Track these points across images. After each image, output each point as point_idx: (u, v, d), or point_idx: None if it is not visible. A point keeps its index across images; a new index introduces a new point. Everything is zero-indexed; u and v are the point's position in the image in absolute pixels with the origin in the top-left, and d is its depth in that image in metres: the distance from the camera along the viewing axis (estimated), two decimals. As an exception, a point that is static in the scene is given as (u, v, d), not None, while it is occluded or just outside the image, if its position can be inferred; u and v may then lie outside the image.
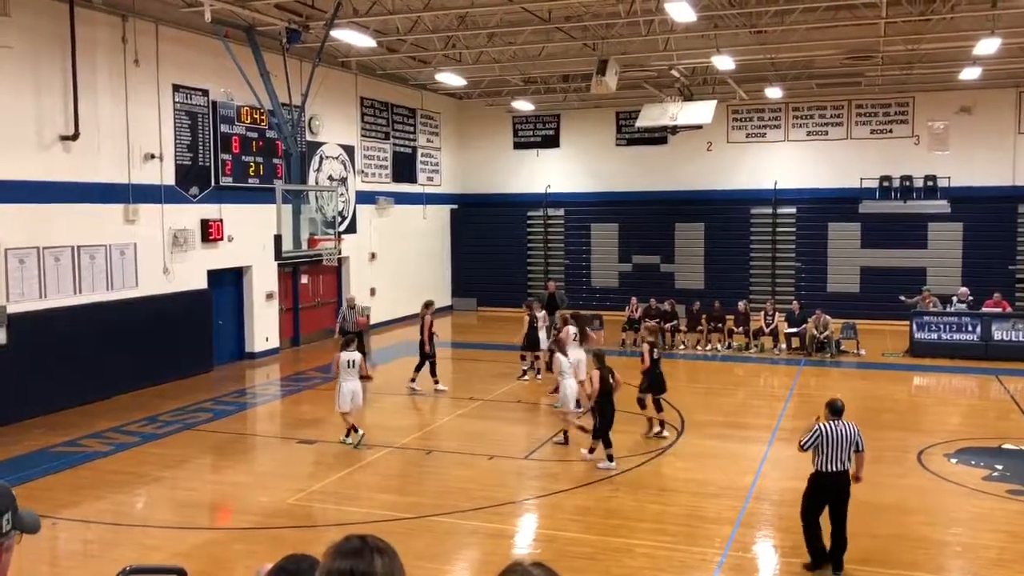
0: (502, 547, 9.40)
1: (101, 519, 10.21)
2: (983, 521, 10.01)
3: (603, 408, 12.07)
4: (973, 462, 12.20)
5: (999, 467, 11.99)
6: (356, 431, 13.05)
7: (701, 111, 22.17)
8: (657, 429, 13.62)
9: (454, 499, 10.82)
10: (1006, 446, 13.16)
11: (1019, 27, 18.56)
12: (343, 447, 13.06)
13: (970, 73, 22.34)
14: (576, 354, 15.20)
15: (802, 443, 8.67)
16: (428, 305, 17.49)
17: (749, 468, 11.98)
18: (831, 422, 8.61)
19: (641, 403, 13.90)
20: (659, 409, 13.72)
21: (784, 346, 21.69)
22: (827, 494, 8.55)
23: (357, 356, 13.38)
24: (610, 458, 11.95)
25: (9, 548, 2.24)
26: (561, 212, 29.99)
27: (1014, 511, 10.29)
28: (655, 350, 13.96)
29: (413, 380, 17.02)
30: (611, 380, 12.16)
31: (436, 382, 16.95)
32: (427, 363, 17.05)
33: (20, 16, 14.56)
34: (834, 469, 8.47)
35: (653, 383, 13.69)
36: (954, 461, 12.28)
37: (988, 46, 18.62)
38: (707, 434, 13.93)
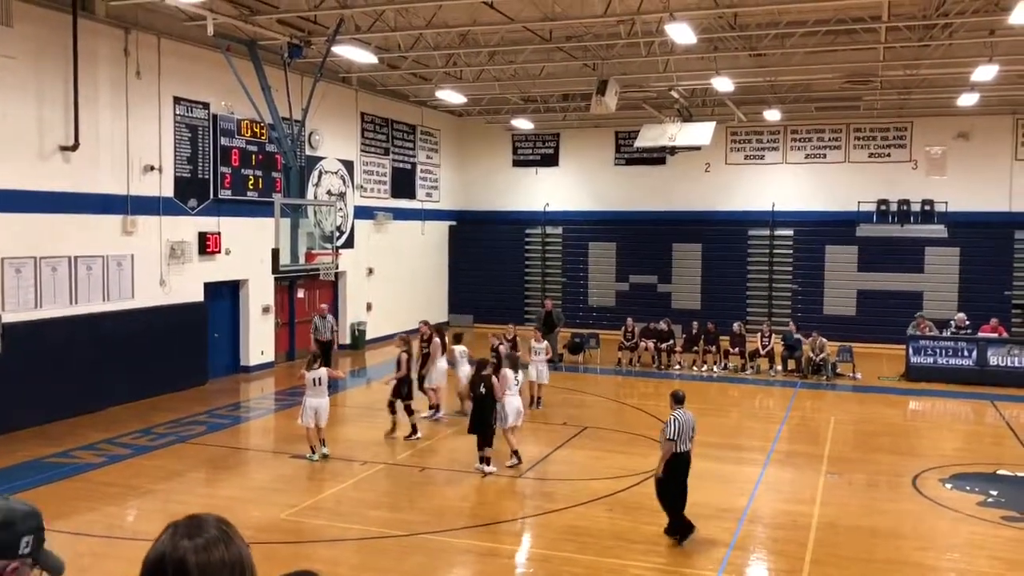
0: (495, 566, 9.35)
1: (92, 531, 10.15)
2: (978, 547, 9.98)
3: (473, 412, 12.93)
4: (968, 488, 12.17)
5: (994, 493, 11.96)
6: (314, 450, 13.19)
7: (700, 132, 22.26)
8: (408, 432, 14.61)
9: (447, 517, 10.77)
10: (1001, 472, 13.14)
11: (1016, 54, 18.68)
12: (336, 463, 13.02)
13: (968, 99, 22.48)
14: (441, 364, 16.36)
15: (669, 436, 9.75)
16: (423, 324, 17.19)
17: (744, 490, 11.95)
18: (678, 411, 9.89)
19: (391, 406, 14.87)
20: (409, 413, 14.78)
21: (780, 368, 21.69)
22: (683, 471, 9.80)
23: (323, 374, 13.44)
24: (483, 460, 12.62)
25: (14, 570, 2.14)
26: (559, 230, 30.04)
27: (1009, 537, 10.26)
28: (409, 357, 15.12)
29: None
30: (482, 388, 12.77)
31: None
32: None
33: (23, 26, 14.60)
34: (686, 449, 9.84)
35: (405, 390, 14.86)
36: (949, 486, 12.25)
37: (986, 73, 18.74)
38: (702, 455, 13.76)
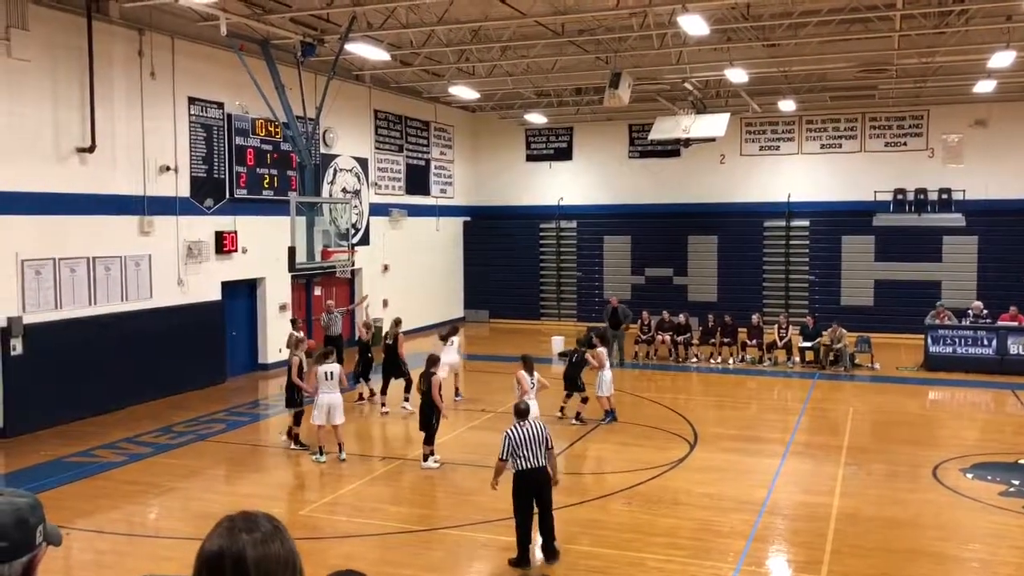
0: (514, 560, 9.36)
1: (115, 529, 10.25)
2: (1000, 537, 9.92)
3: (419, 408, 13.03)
4: (989, 477, 12.09)
5: (1016, 482, 11.87)
6: (321, 450, 12.95)
7: (714, 124, 22.16)
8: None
9: (465, 511, 10.80)
10: (1023, 461, 13.04)
11: (1034, 40, 18.49)
12: (353, 459, 13.07)
13: (985, 86, 22.27)
14: (448, 358, 16.66)
15: (500, 455, 9.10)
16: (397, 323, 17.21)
17: (763, 482, 11.92)
18: (517, 424, 9.15)
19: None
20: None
21: (797, 359, 21.59)
22: (530, 490, 9.02)
23: (336, 368, 13.13)
24: (424, 457, 12.69)
25: (40, 560, 2.23)
26: (574, 224, 30.00)
27: (1031, 527, 10.19)
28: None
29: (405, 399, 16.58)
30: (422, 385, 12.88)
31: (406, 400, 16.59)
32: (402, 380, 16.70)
33: (38, 30, 14.72)
34: (530, 466, 8.98)
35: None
36: (970, 476, 12.18)
37: (1003, 59, 18.56)
38: (720, 447, 13.88)
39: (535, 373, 12.85)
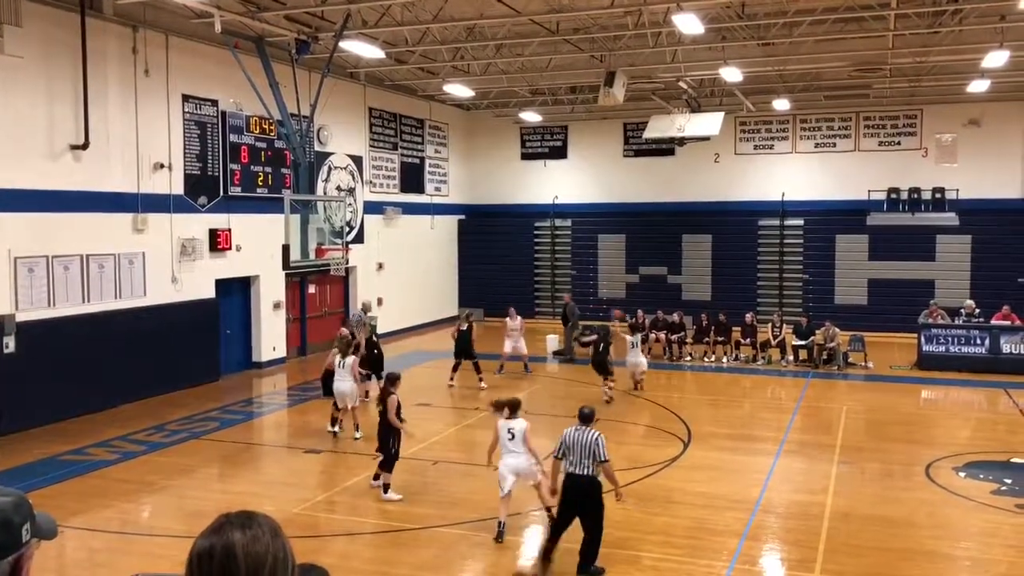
0: (507, 558, 9.38)
1: (108, 527, 10.23)
2: (992, 535, 9.95)
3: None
4: (982, 476, 12.13)
5: (1008, 481, 11.92)
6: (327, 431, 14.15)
7: (709, 123, 22.18)
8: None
9: (459, 510, 10.80)
10: (1015, 460, 13.08)
11: (1027, 40, 18.55)
12: (349, 457, 13.08)
13: (978, 86, 22.33)
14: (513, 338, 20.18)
15: (555, 454, 8.96)
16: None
17: (756, 480, 11.94)
18: (576, 426, 8.89)
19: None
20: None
21: (791, 358, 21.63)
22: (574, 496, 8.66)
23: (348, 360, 14.13)
24: (384, 488, 11.19)
25: (30, 557, 2.21)
26: (568, 223, 30.02)
27: (1023, 525, 10.23)
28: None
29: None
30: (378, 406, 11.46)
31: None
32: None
33: (32, 26, 14.67)
34: (576, 472, 8.64)
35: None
36: (963, 475, 12.22)
37: (996, 59, 18.62)
38: (714, 446, 13.90)
39: (518, 418, 9.97)
